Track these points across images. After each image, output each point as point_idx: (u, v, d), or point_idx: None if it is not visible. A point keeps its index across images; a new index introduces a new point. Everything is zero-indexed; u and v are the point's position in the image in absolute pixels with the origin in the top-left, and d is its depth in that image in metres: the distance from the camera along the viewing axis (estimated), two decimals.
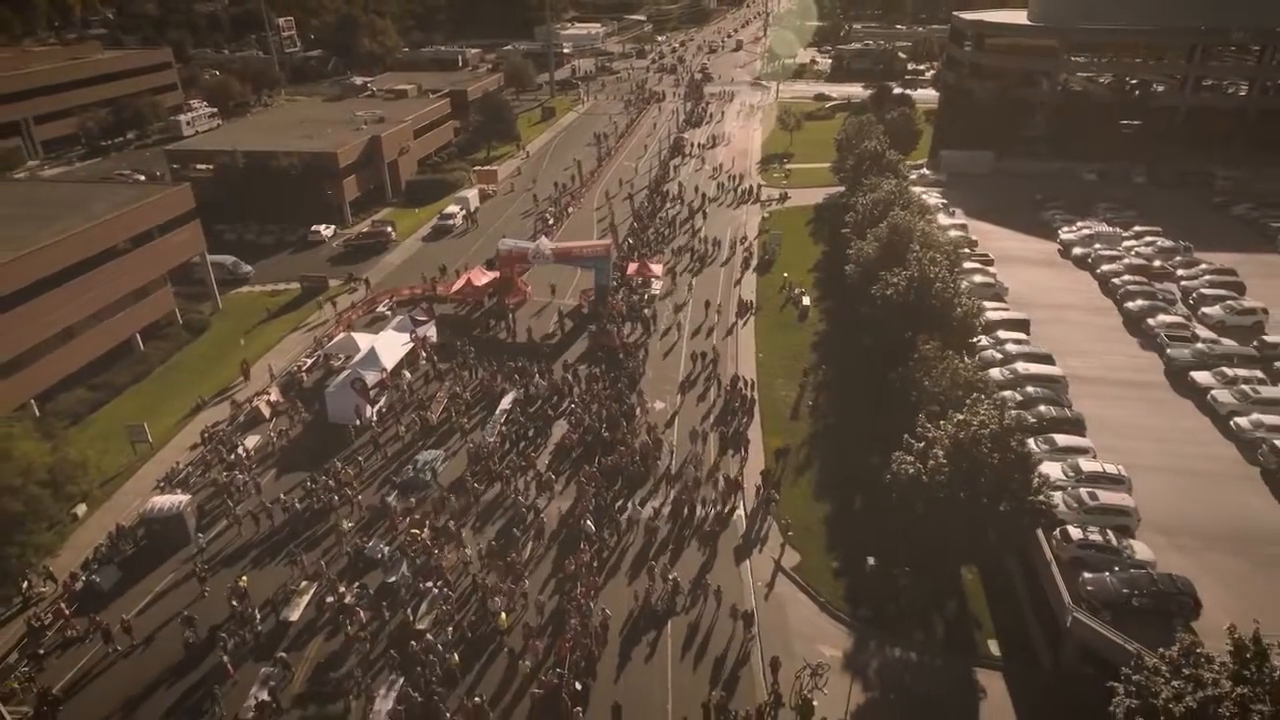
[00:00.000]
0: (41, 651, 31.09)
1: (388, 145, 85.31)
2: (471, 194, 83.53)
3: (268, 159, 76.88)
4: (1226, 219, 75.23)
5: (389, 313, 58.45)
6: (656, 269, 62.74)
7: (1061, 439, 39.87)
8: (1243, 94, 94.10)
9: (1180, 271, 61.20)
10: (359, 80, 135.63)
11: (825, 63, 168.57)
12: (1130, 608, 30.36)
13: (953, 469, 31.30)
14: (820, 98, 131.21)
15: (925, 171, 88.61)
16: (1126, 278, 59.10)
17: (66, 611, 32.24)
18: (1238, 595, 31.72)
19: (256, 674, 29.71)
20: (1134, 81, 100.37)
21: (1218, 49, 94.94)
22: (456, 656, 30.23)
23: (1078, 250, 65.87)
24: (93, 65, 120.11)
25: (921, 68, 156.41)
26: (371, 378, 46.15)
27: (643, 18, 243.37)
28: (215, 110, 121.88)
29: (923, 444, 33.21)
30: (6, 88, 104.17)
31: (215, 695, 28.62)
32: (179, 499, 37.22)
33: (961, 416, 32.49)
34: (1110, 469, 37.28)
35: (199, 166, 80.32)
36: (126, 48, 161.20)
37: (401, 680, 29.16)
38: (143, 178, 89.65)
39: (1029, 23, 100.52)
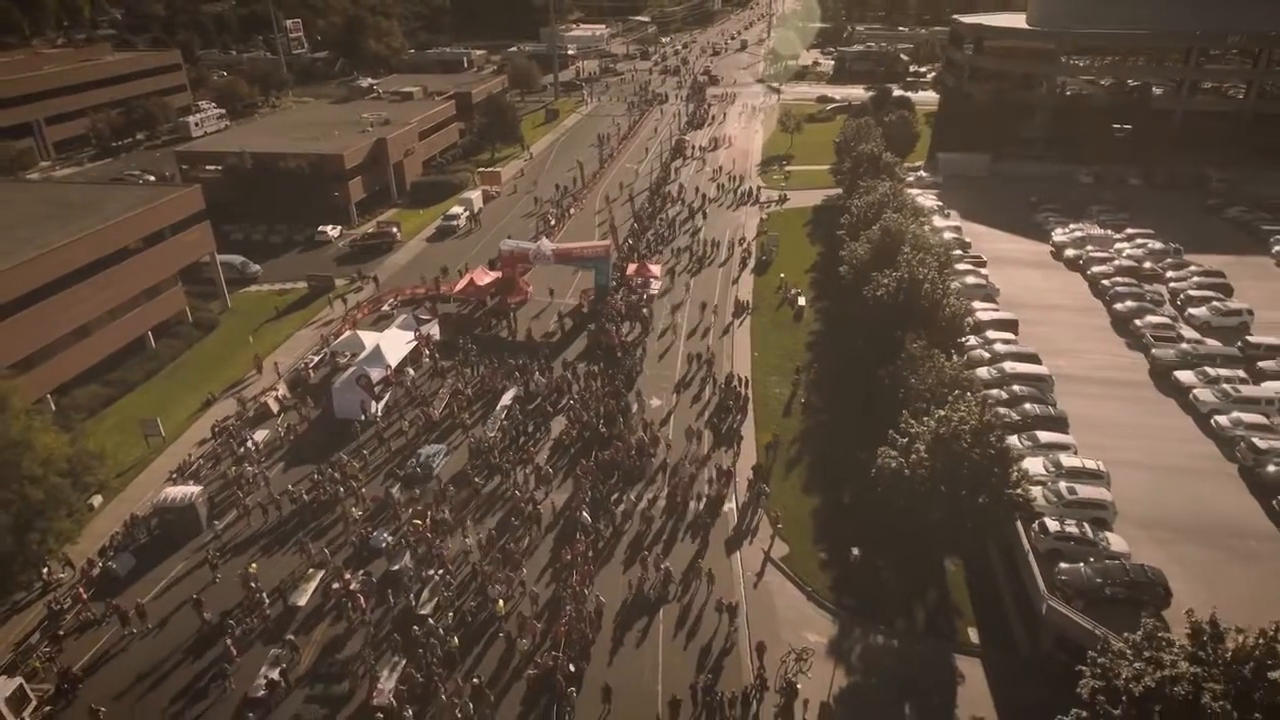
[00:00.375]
0: (61, 633, 32.55)
1: (393, 147, 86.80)
2: (475, 195, 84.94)
3: (275, 160, 78.46)
4: (1219, 221, 76.28)
5: (393, 311, 59.90)
6: (655, 269, 63.99)
7: (1044, 435, 41.09)
8: (1240, 97, 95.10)
9: (1170, 273, 62.29)
10: (365, 82, 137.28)
11: (828, 64, 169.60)
12: (1103, 596, 31.64)
13: (933, 463, 32.64)
14: (823, 99, 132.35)
15: (923, 174, 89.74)
16: (1116, 279, 60.22)
17: (84, 596, 33.73)
18: (1209, 585, 32.91)
19: (266, 655, 31.09)
20: (1135, 84, 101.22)
21: (1216, 53, 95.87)
22: (456, 640, 31.63)
23: (1070, 252, 67.04)
24: (103, 67, 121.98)
25: (923, 69, 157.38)
26: (376, 374, 47.58)
27: (647, 19, 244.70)
28: (223, 111, 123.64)
29: (906, 439, 34.55)
30: (20, 89, 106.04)
31: (225, 671, 30.12)
32: (191, 490, 38.70)
33: (943, 413, 33.78)
34: (1090, 464, 38.54)
35: (208, 167, 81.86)
36: (135, 48, 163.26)
37: (404, 662, 30.54)
38: (153, 178, 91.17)
39: (1028, 27, 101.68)
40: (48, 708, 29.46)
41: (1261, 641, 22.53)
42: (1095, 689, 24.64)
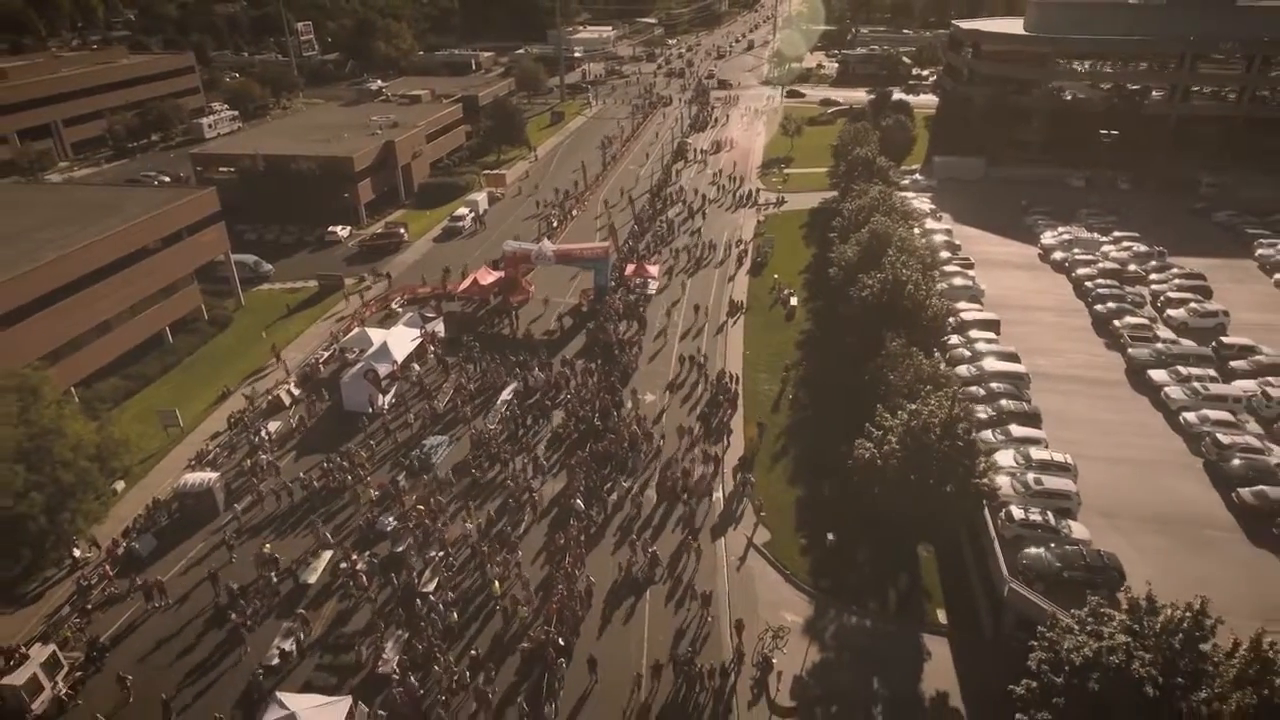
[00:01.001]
0: (89, 607, 35.10)
1: (401, 150, 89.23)
2: (481, 197, 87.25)
3: (287, 162, 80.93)
4: (1207, 225, 77.75)
5: (400, 310, 62.28)
6: (653, 270, 66.17)
7: (1017, 430, 43.07)
8: (1233, 101, 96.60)
9: (1153, 275, 64.02)
10: (374, 85, 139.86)
11: (832, 67, 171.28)
12: (1062, 580, 33.58)
13: (904, 454, 34.75)
14: (826, 102, 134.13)
15: (918, 177, 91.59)
16: (1099, 281, 61.98)
17: (110, 573, 36.28)
18: (1164, 570, 34.60)
19: (279, 628, 33.50)
20: (1135, 88, 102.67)
21: (1219, 56, 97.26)
22: (455, 615, 33.97)
23: (1057, 255, 68.79)
24: (120, 70, 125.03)
25: (925, 73, 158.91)
26: (383, 369, 49.90)
27: (653, 20, 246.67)
28: (236, 113, 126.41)
29: (880, 432, 36.66)
30: (39, 92, 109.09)
31: (243, 637, 32.63)
32: (209, 476, 41.21)
33: (914, 407, 35.89)
34: (1058, 457, 40.47)
35: (221, 169, 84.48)
36: (149, 50, 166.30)
37: (407, 635, 32.87)
38: (168, 179, 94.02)
39: (1025, 32, 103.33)
40: (78, 673, 31.93)
41: (1189, 615, 24.62)
42: (1041, 660, 26.75)
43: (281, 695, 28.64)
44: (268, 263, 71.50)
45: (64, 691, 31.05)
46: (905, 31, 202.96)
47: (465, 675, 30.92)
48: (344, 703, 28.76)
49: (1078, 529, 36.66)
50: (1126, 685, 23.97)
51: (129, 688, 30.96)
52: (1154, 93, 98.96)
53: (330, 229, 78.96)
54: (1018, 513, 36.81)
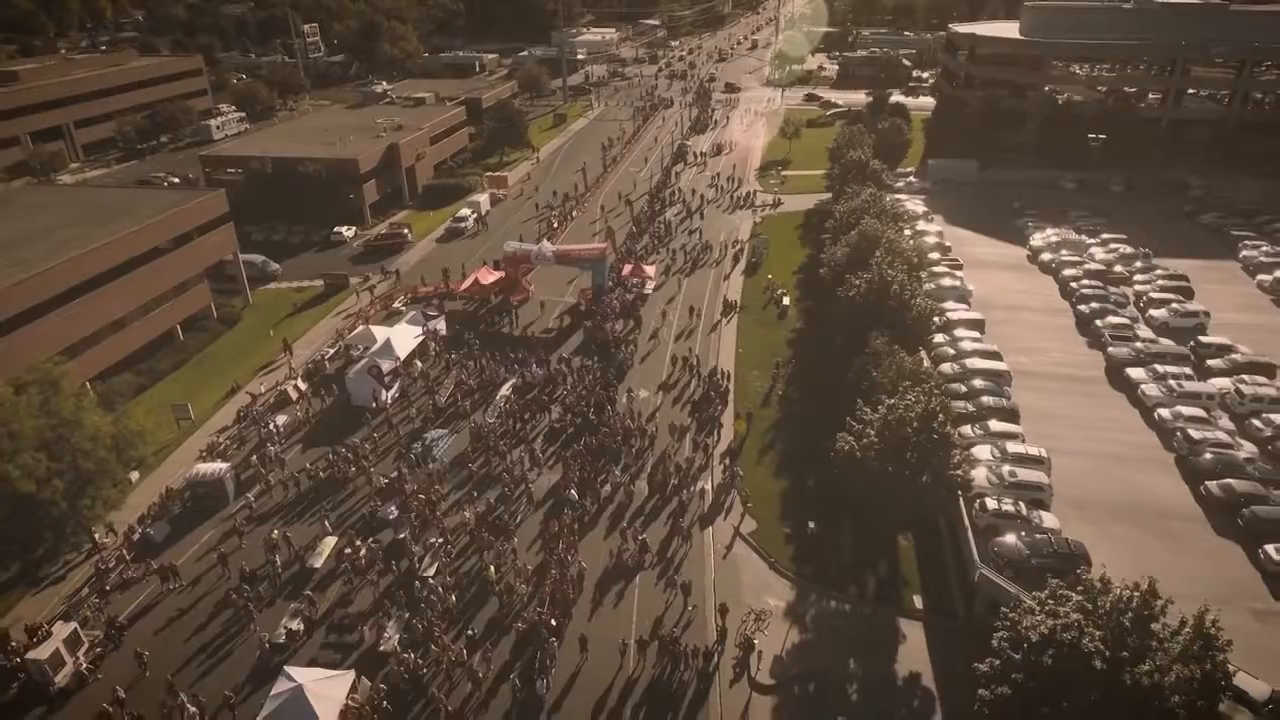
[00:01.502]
0: (108, 588, 37.05)
1: (405, 152, 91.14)
2: (483, 198, 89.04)
3: (294, 164, 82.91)
4: (1194, 227, 79.25)
5: (403, 308, 64.12)
6: (650, 270, 67.89)
7: (996, 425, 44.76)
8: (1225, 104, 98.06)
9: (1137, 276, 65.54)
10: (380, 87, 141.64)
11: (833, 69, 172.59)
12: (1030, 566, 35.30)
13: (882, 446, 36.41)
14: (826, 105, 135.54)
15: (913, 179, 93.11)
16: (1084, 281, 63.54)
17: (127, 557, 38.20)
18: (1130, 557, 36.35)
19: (287, 609, 35.33)
20: (1131, 90, 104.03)
21: (1220, 60, 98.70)
22: (454, 598, 35.78)
23: (1045, 256, 70.34)
24: (129, 72, 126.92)
25: (924, 75, 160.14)
26: (387, 365, 51.69)
27: (656, 23, 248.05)
28: (243, 115, 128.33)
29: (861, 425, 38.33)
30: (51, 94, 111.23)
31: (253, 616, 34.53)
32: (220, 466, 43.13)
33: (892, 401, 37.57)
34: (1033, 451, 42.21)
35: (230, 170, 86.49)
36: (157, 51, 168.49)
37: (407, 615, 34.67)
38: (177, 180, 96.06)
39: (1020, 36, 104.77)
40: (98, 649, 33.87)
41: (1138, 595, 26.29)
42: (1003, 638, 28.42)
43: (289, 669, 30.42)
44: (275, 262, 73.39)
45: (85, 666, 32.94)
46: (906, 34, 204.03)
47: (462, 653, 32.70)
48: (347, 676, 30.59)
49: (1049, 519, 38.40)
50: (1078, 660, 25.61)
51: (145, 663, 32.80)
52: (1151, 95, 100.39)
53: (336, 229, 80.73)
54: (991, 503, 38.54)
